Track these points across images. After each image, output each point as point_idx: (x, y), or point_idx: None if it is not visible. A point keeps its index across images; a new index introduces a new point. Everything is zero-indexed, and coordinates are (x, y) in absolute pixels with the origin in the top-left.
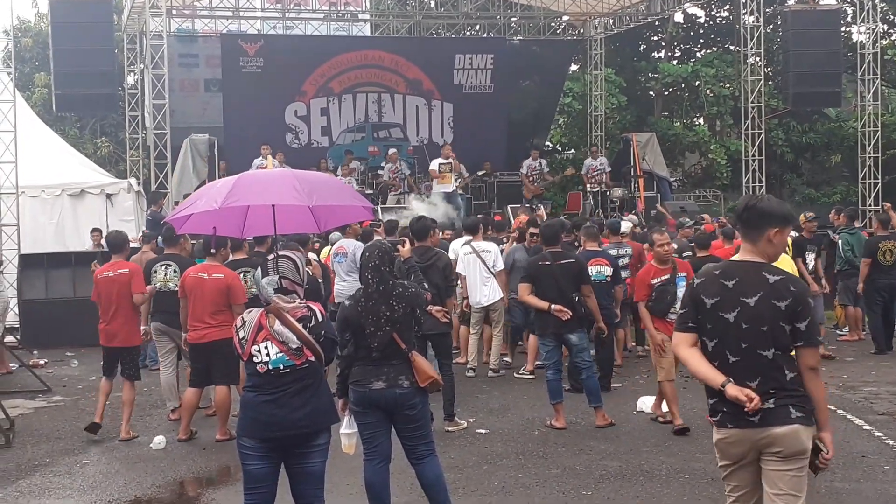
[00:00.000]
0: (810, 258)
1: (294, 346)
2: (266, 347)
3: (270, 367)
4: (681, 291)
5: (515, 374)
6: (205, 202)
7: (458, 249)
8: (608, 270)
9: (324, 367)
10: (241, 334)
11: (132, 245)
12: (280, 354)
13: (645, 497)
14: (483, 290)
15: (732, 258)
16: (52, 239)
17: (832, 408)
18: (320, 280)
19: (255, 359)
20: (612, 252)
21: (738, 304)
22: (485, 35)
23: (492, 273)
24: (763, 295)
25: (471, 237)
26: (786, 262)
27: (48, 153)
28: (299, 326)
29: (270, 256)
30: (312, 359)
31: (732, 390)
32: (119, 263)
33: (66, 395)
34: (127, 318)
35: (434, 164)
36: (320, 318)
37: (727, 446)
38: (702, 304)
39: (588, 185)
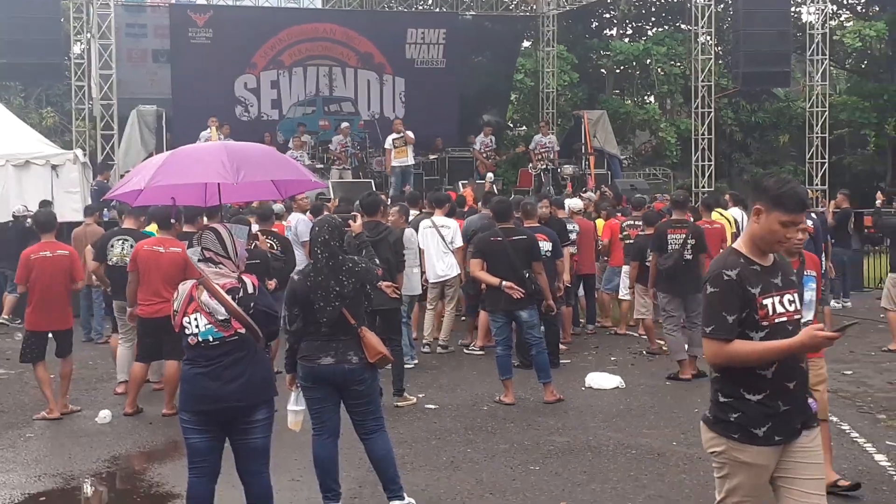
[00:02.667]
0: None
1: (221, 318)
2: (196, 319)
3: (200, 338)
4: (809, 294)
5: (465, 350)
6: (136, 180)
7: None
8: (548, 246)
9: (262, 341)
10: (175, 306)
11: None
12: (209, 326)
13: (591, 472)
14: (440, 264)
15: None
16: None
17: None
18: (273, 254)
19: (186, 330)
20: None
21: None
22: (437, 10)
23: (450, 249)
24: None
25: (432, 212)
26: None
27: None
28: (227, 297)
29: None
30: (242, 331)
31: None
32: (56, 244)
33: (10, 369)
34: (65, 300)
35: (388, 142)
36: (251, 290)
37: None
38: (747, 294)
39: (536, 162)
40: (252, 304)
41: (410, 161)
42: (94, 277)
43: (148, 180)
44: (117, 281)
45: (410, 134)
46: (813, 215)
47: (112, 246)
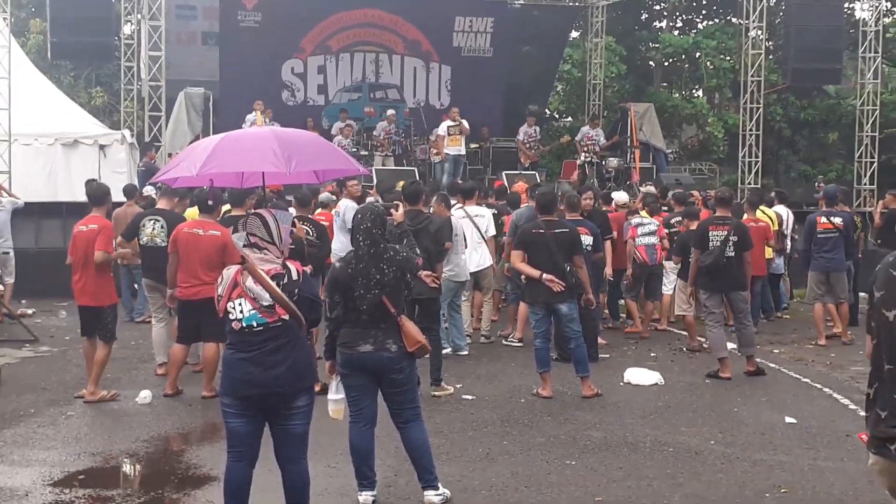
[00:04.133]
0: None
1: (266, 304)
2: (240, 304)
3: (244, 324)
4: None
5: (504, 342)
6: (185, 165)
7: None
8: (589, 240)
9: (305, 328)
10: (219, 290)
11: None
12: (253, 312)
13: (628, 468)
14: (474, 255)
15: None
16: (44, 188)
17: (818, 385)
18: (308, 240)
19: (230, 315)
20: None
21: None
22: None
23: (483, 238)
24: None
25: (464, 202)
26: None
27: (42, 101)
28: (272, 283)
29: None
30: (286, 317)
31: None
32: (93, 218)
33: (54, 346)
34: (93, 276)
35: (442, 128)
36: (295, 277)
37: (875, 475)
38: (872, 296)
39: (582, 154)
40: (296, 291)
41: (462, 150)
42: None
43: (199, 167)
44: (147, 260)
45: (466, 124)
46: (843, 213)
47: (143, 226)
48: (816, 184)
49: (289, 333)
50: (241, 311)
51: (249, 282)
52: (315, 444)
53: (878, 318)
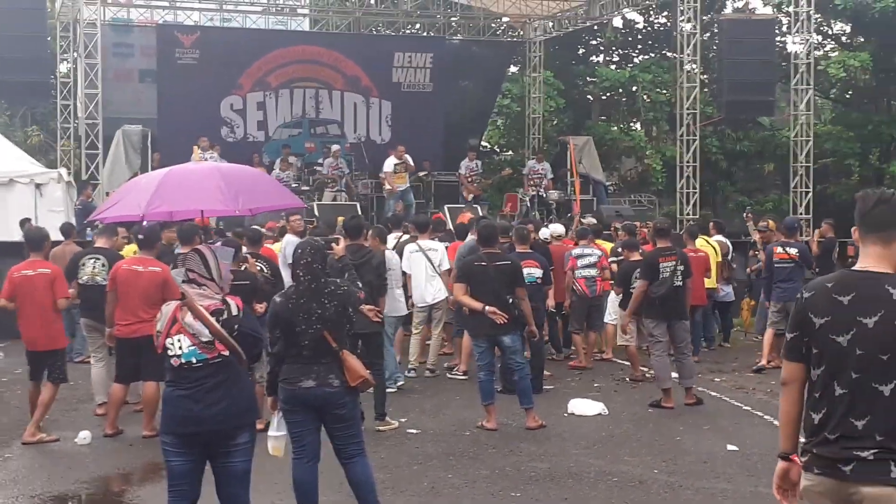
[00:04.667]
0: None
1: (205, 340)
2: (179, 340)
3: (183, 360)
4: None
5: (448, 375)
6: (129, 203)
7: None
8: (539, 272)
9: (245, 363)
10: (158, 327)
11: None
12: (192, 347)
13: (573, 499)
14: (429, 288)
15: (853, 268)
16: None
17: (759, 413)
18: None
19: (169, 352)
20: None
21: (853, 325)
22: (424, 34)
23: (437, 272)
24: (885, 314)
25: (417, 235)
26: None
27: None
28: (211, 319)
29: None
30: (226, 353)
31: None
32: (39, 262)
33: None
34: (48, 320)
35: (388, 165)
36: (234, 312)
37: (814, 496)
38: (810, 323)
39: (528, 188)
40: (236, 327)
41: (405, 186)
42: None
43: (145, 206)
44: (88, 299)
45: (410, 161)
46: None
47: (83, 265)
48: (745, 214)
49: (228, 370)
50: (181, 348)
51: (188, 318)
52: (257, 480)
53: (823, 345)
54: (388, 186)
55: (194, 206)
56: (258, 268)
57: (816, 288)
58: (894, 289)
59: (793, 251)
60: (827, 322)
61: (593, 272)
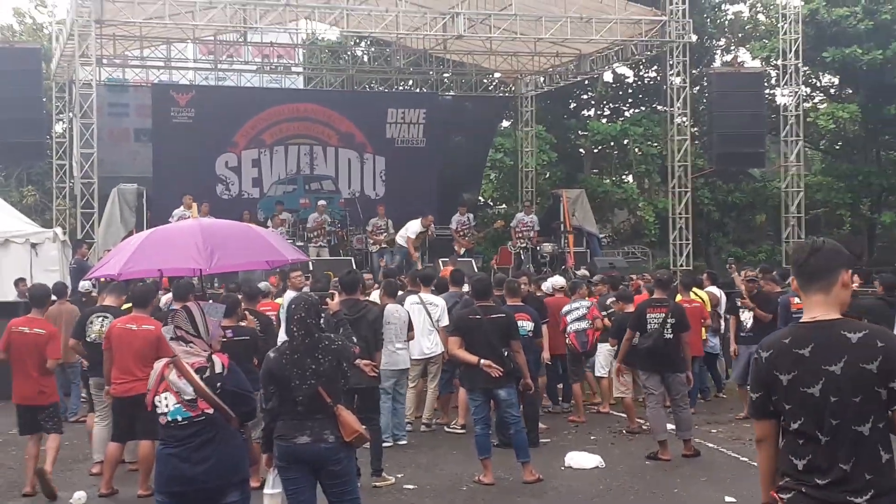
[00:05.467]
0: (745, 315)
1: (188, 398)
2: (165, 398)
3: (169, 418)
4: None
5: (446, 429)
6: (113, 263)
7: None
8: (530, 325)
9: (235, 421)
10: (149, 384)
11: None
12: (177, 406)
13: None
14: (425, 342)
15: (802, 320)
16: None
17: (756, 464)
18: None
19: (157, 409)
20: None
21: (820, 374)
22: (417, 90)
23: (435, 327)
24: (848, 359)
25: (419, 289)
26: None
27: None
28: (194, 376)
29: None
30: (210, 411)
31: None
32: (37, 321)
33: None
34: (38, 377)
35: (412, 230)
36: (218, 370)
37: None
38: (776, 382)
39: (515, 241)
40: (218, 384)
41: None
42: (71, 355)
43: (122, 265)
44: (95, 358)
45: (434, 232)
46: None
47: (91, 323)
48: (727, 265)
49: (214, 427)
50: (167, 405)
51: (173, 375)
52: None
53: (796, 399)
54: (375, 246)
55: (170, 265)
56: (255, 323)
57: (774, 346)
58: (850, 333)
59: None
60: (795, 377)
61: (584, 325)
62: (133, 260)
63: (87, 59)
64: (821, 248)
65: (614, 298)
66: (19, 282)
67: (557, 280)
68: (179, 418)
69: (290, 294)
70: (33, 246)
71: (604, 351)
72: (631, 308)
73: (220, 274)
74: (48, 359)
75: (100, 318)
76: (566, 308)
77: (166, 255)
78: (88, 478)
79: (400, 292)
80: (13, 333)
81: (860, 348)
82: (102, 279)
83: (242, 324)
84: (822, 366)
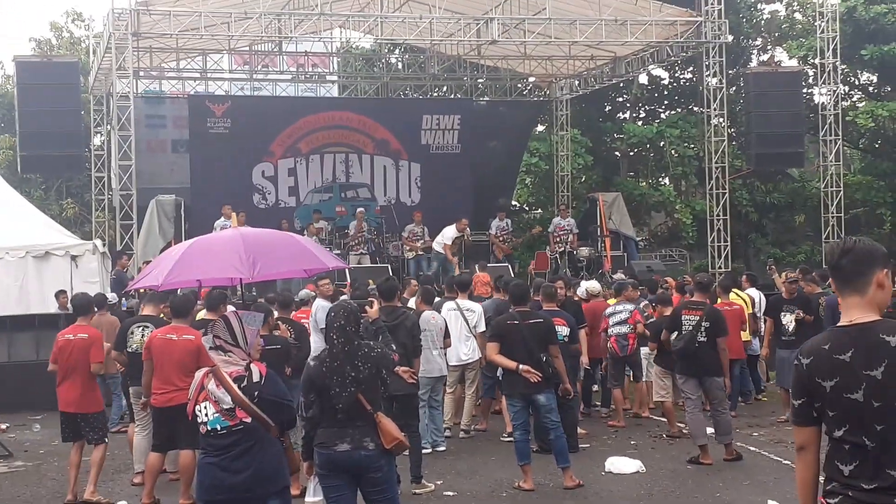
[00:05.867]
0: (788, 318)
1: (226, 407)
2: (205, 408)
3: (209, 427)
4: None
5: (501, 438)
6: (155, 274)
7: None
8: (566, 330)
9: (274, 430)
10: (189, 394)
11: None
12: (216, 415)
13: None
14: (462, 348)
15: (840, 324)
16: (16, 301)
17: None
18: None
19: (198, 419)
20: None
21: (862, 379)
22: (451, 96)
23: (472, 333)
24: (889, 363)
25: (456, 295)
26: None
27: (12, 215)
28: (232, 385)
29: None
30: (248, 420)
31: None
32: (81, 327)
33: (28, 461)
34: (83, 383)
35: (448, 236)
36: (256, 379)
37: None
38: (819, 389)
39: (554, 246)
40: (256, 393)
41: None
42: (112, 366)
43: (164, 276)
44: (136, 367)
45: (469, 237)
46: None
47: (132, 333)
48: (767, 266)
49: (253, 436)
50: (206, 415)
51: (212, 385)
52: None
53: (840, 406)
54: (412, 252)
55: (212, 275)
56: (288, 332)
57: (814, 352)
58: (889, 336)
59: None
60: (837, 383)
61: (625, 329)
62: (175, 271)
63: (124, 72)
64: (852, 249)
65: (647, 302)
66: (60, 294)
67: (592, 285)
68: (219, 427)
69: (319, 302)
70: (73, 258)
71: (642, 355)
72: (668, 311)
73: (257, 283)
74: (91, 363)
75: (140, 329)
76: (609, 310)
77: (208, 265)
78: (130, 488)
79: (437, 299)
80: (60, 342)
81: None
82: (143, 290)
83: (276, 333)
84: (863, 371)
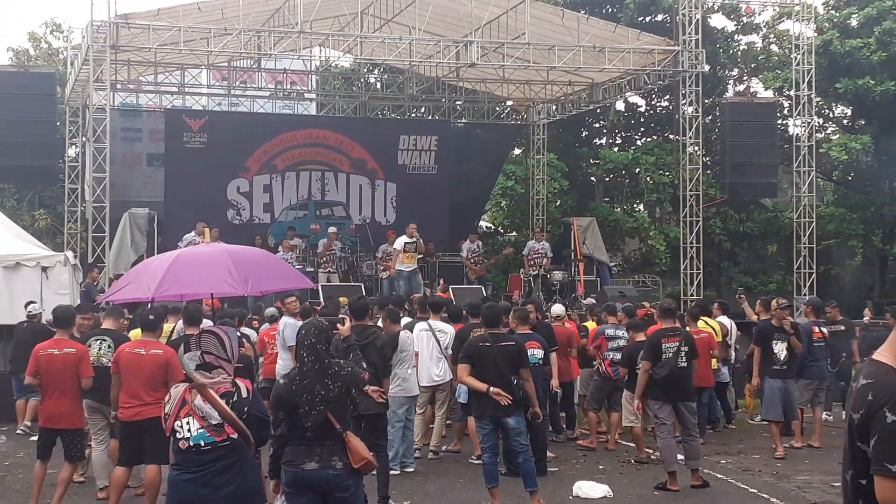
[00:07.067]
0: (779, 347)
1: (215, 422)
2: (188, 423)
3: (192, 443)
4: None
5: (470, 460)
6: (140, 285)
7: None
8: (540, 353)
9: (253, 446)
10: (167, 409)
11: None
12: (201, 430)
13: None
14: (434, 368)
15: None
16: None
17: (765, 496)
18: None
19: (177, 434)
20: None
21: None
22: (429, 117)
23: (443, 354)
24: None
25: (428, 315)
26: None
27: None
28: (221, 402)
29: (195, 332)
30: (235, 436)
31: None
32: (65, 342)
33: None
34: (71, 400)
35: (399, 243)
36: (244, 395)
37: None
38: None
39: (528, 269)
40: (245, 409)
41: (413, 267)
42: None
43: (155, 288)
44: (94, 380)
45: (422, 242)
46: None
47: (89, 346)
48: (737, 296)
49: (237, 453)
50: (189, 430)
51: (198, 400)
52: None
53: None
54: (385, 272)
55: (204, 289)
56: (251, 349)
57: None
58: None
59: (825, 330)
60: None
61: (619, 356)
62: (166, 283)
63: (101, 84)
64: None
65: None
66: (29, 304)
67: (557, 308)
68: (202, 443)
69: (285, 320)
70: (44, 269)
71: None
72: (642, 337)
73: (228, 299)
74: (81, 378)
75: (98, 341)
76: (610, 332)
77: (198, 279)
78: (95, 502)
79: (408, 319)
80: (41, 357)
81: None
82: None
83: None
84: None
